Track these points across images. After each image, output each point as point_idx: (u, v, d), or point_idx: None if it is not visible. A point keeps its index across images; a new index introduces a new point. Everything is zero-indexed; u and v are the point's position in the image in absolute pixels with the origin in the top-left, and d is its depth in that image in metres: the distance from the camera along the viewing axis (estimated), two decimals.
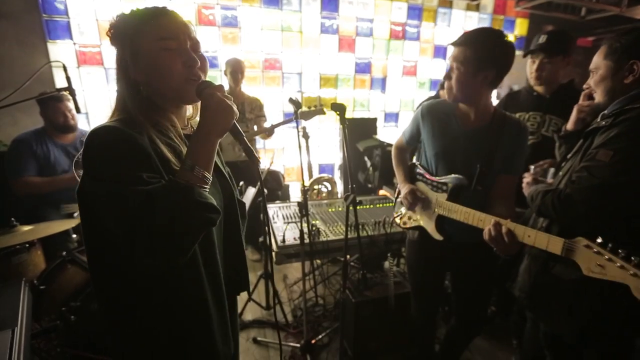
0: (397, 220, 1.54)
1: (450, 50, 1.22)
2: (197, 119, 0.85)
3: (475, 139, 1.27)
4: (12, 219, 1.70)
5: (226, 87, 2.81)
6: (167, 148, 0.72)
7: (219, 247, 0.85)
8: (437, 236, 1.33)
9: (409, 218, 1.47)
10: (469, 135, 1.28)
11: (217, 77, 3.46)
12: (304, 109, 1.83)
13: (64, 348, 1.45)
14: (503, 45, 1.16)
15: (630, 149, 0.98)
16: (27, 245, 1.72)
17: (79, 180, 0.71)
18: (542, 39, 1.66)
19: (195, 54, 0.75)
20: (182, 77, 0.74)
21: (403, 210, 1.51)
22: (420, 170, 1.44)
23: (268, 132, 2.55)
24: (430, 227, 1.36)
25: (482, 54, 1.15)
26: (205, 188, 0.69)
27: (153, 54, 0.72)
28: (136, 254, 0.63)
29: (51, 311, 1.56)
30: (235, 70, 2.70)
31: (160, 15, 0.74)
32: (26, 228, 1.70)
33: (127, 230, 0.62)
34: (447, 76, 1.25)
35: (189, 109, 0.88)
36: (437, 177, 1.34)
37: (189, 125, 0.87)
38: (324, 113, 1.87)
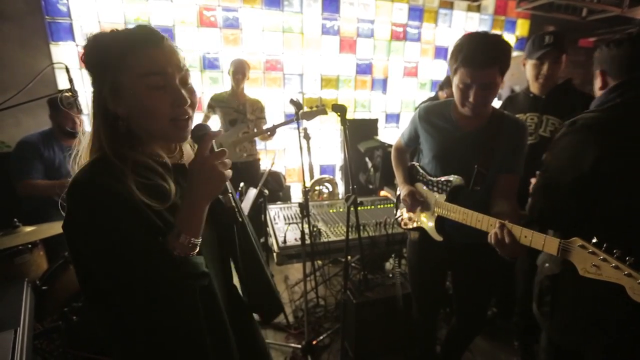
0: (400, 220, 1.54)
1: (469, 72, 1.13)
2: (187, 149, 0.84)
3: (473, 139, 1.27)
4: (15, 219, 1.71)
5: (229, 87, 2.77)
6: (148, 193, 0.66)
7: (217, 276, 0.80)
8: (437, 237, 1.33)
9: (410, 219, 1.48)
10: (466, 136, 1.28)
11: (219, 78, 3.48)
12: (306, 109, 1.84)
13: (66, 348, 1.46)
14: (510, 48, 1.16)
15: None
16: (30, 245, 1.73)
17: None
18: (549, 39, 1.64)
19: (185, 88, 0.69)
20: (168, 118, 0.68)
21: (404, 211, 1.51)
22: (419, 171, 1.44)
23: (270, 133, 2.56)
24: (430, 228, 1.36)
25: (506, 67, 1.15)
26: (193, 254, 0.68)
27: (137, 92, 0.65)
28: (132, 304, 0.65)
29: (53, 311, 1.57)
30: (237, 71, 2.71)
31: (146, 44, 0.65)
32: (29, 229, 1.71)
33: (119, 290, 0.64)
34: (465, 95, 1.19)
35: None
36: (436, 178, 1.34)
37: (177, 150, 0.81)
38: (326, 113, 1.87)
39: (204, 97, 3.36)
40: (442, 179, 1.31)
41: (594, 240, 0.81)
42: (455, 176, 1.26)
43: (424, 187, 1.39)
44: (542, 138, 1.67)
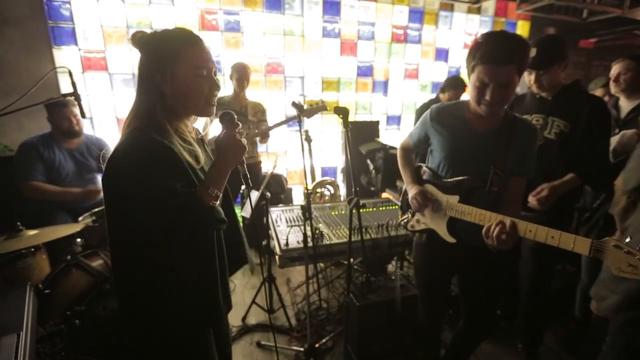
0: (404, 223, 1.53)
1: (487, 70, 1.11)
2: (209, 130, 1.11)
3: (487, 141, 1.26)
4: (18, 223, 1.71)
5: (231, 91, 2.80)
6: (189, 154, 0.90)
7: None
8: (450, 239, 1.32)
9: (417, 221, 1.46)
10: (481, 137, 1.27)
11: (220, 80, 3.47)
12: (306, 106, 1.83)
13: (69, 352, 1.46)
14: (528, 47, 1.16)
15: None
16: (33, 249, 1.73)
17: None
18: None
19: (217, 80, 0.94)
20: (205, 99, 0.92)
21: (410, 213, 1.50)
22: (428, 172, 1.43)
23: (264, 134, 2.58)
24: (442, 230, 1.34)
25: (524, 66, 1.15)
26: (216, 202, 0.90)
27: (189, 79, 0.88)
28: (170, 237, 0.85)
29: (56, 315, 1.56)
30: (241, 77, 2.73)
31: (195, 44, 0.89)
32: (32, 232, 1.71)
33: (161, 230, 0.83)
34: (481, 94, 1.17)
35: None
36: (449, 179, 1.33)
37: (195, 131, 1.04)
38: (326, 109, 1.86)
39: None
40: (455, 179, 1.30)
41: (628, 240, 0.82)
42: (470, 177, 1.26)
43: (434, 188, 1.38)
44: (547, 140, 1.66)
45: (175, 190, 0.83)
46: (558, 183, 1.58)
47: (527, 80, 1.71)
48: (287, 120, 1.74)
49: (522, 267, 1.89)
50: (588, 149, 1.60)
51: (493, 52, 1.10)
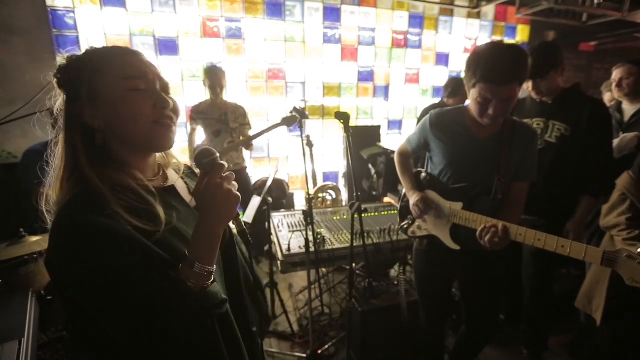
0: (405, 229, 1.52)
1: (489, 88, 1.12)
2: (174, 161, 0.80)
3: (488, 146, 1.26)
4: (21, 229, 1.71)
5: (207, 97, 2.68)
6: (141, 218, 0.61)
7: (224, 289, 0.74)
8: (454, 246, 1.31)
9: (419, 227, 1.45)
10: (481, 143, 1.27)
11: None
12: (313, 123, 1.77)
13: (70, 359, 1.45)
14: (527, 58, 1.15)
15: None
16: (35, 255, 1.73)
17: None
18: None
19: (166, 95, 0.67)
20: (151, 119, 0.65)
21: (411, 219, 1.49)
22: (428, 178, 1.42)
23: (249, 143, 2.54)
24: (445, 237, 1.34)
25: (525, 79, 1.16)
26: (208, 284, 0.63)
27: (117, 95, 0.62)
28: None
29: (58, 322, 1.56)
30: (213, 84, 2.62)
31: (124, 53, 0.65)
32: (34, 238, 1.71)
33: (129, 339, 0.57)
34: (484, 109, 1.18)
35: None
36: (451, 185, 1.32)
37: (161, 173, 0.76)
38: (307, 117, 1.79)
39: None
40: (459, 186, 1.29)
41: (639, 251, 0.82)
42: (476, 184, 1.26)
43: (436, 195, 1.37)
44: (547, 144, 1.66)
45: (137, 282, 0.57)
46: (579, 215, 1.64)
47: (526, 88, 1.71)
48: (272, 128, 1.63)
49: (524, 271, 1.88)
50: (591, 152, 1.60)
51: (495, 71, 1.10)
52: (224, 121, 2.68)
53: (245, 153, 3.00)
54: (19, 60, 2.85)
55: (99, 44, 0.70)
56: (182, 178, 0.81)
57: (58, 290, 0.65)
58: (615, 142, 1.81)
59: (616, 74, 2.02)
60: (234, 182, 0.66)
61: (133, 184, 0.65)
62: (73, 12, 2.99)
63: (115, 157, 0.66)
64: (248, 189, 2.83)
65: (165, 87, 0.69)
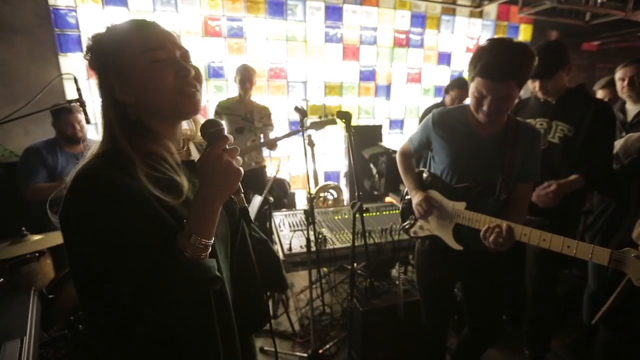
0: (406, 229, 1.51)
1: (485, 84, 1.11)
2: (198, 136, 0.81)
3: (491, 146, 1.25)
4: (23, 228, 1.72)
5: (236, 94, 2.74)
6: (162, 187, 0.63)
7: (227, 277, 0.76)
8: (457, 246, 1.30)
9: (421, 227, 1.44)
10: (485, 142, 1.26)
11: (223, 86, 3.51)
12: (315, 118, 1.84)
13: (72, 358, 1.45)
14: (532, 59, 1.13)
15: None
16: (37, 254, 1.74)
17: None
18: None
19: (187, 64, 0.69)
20: (176, 89, 0.67)
21: (413, 219, 1.49)
22: (430, 177, 1.41)
23: (273, 144, 2.57)
24: (448, 237, 1.33)
25: (525, 80, 1.14)
26: (204, 256, 0.63)
27: (141, 68, 0.65)
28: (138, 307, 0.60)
29: (60, 320, 1.57)
30: (243, 79, 2.69)
31: (142, 26, 0.67)
32: (36, 237, 1.72)
33: (129, 299, 0.59)
34: (479, 104, 1.17)
35: (184, 125, 0.79)
36: (454, 185, 1.31)
37: (185, 148, 0.78)
38: (335, 123, 1.86)
39: (209, 105, 3.40)
40: (463, 185, 1.29)
41: None
42: (479, 184, 1.25)
43: (439, 194, 1.36)
44: (550, 144, 1.65)
45: (142, 244, 0.60)
46: (564, 181, 1.56)
47: (532, 87, 1.70)
48: (296, 132, 1.71)
49: (527, 272, 1.87)
50: (590, 153, 1.59)
51: (492, 66, 1.09)
52: (249, 119, 2.73)
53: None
54: (21, 59, 2.86)
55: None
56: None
57: (67, 244, 0.65)
58: (620, 142, 1.80)
59: (624, 72, 1.98)
60: (239, 158, 0.66)
61: (165, 153, 0.68)
62: (75, 10, 2.99)
63: (148, 128, 0.69)
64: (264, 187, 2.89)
65: (185, 56, 0.70)
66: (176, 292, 0.61)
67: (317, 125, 1.82)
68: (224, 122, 2.81)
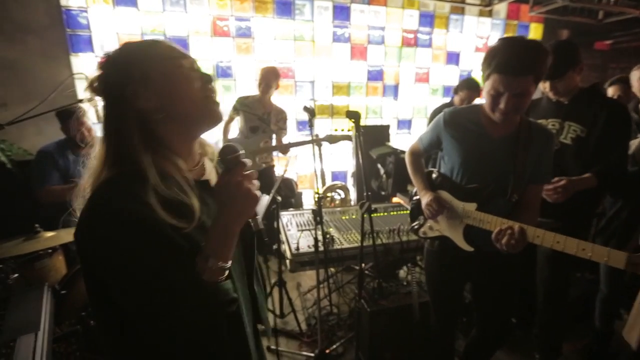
0: (415, 229, 1.50)
1: (502, 79, 1.09)
2: (211, 150, 0.81)
3: (504, 146, 1.24)
4: (36, 225, 1.75)
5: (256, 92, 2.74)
6: (174, 212, 0.62)
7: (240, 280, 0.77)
8: (467, 247, 1.29)
9: (430, 228, 1.43)
10: (497, 143, 1.25)
11: (231, 86, 3.53)
12: (332, 132, 1.85)
13: (83, 352, 1.48)
14: (547, 55, 1.13)
15: None
16: (50, 250, 1.77)
17: None
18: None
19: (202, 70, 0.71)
20: (201, 95, 0.68)
21: (422, 219, 1.47)
22: (440, 178, 1.40)
23: (286, 149, 2.59)
24: (458, 238, 1.31)
25: (542, 76, 1.13)
26: (221, 279, 0.64)
27: (169, 74, 0.66)
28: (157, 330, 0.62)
29: (71, 316, 1.59)
30: (261, 80, 2.71)
31: (160, 40, 0.70)
32: (49, 234, 1.75)
33: (145, 321, 0.61)
34: (495, 102, 1.15)
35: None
36: (464, 186, 1.30)
37: (200, 164, 0.77)
38: (350, 139, 1.88)
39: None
40: (474, 186, 1.27)
41: None
42: (490, 184, 1.24)
43: (448, 195, 1.35)
44: (563, 145, 1.62)
45: (157, 272, 0.59)
46: (575, 178, 1.53)
47: (542, 88, 1.67)
48: (310, 142, 1.74)
49: (538, 274, 1.84)
50: (604, 154, 1.56)
51: (509, 61, 1.07)
52: (266, 120, 2.73)
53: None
54: (34, 59, 2.91)
55: (112, 43, 0.72)
56: (215, 167, 0.82)
57: (83, 264, 0.67)
58: (635, 142, 1.76)
59: (638, 73, 1.95)
60: (256, 181, 0.66)
61: (176, 174, 0.66)
62: (86, 11, 3.03)
63: (163, 143, 0.67)
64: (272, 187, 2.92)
65: (198, 67, 0.72)
66: (193, 315, 0.61)
67: (331, 139, 1.82)
68: (239, 119, 2.81)
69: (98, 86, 0.66)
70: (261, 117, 2.71)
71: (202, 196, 0.69)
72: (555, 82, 1.59)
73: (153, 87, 0.65)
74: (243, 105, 2.77)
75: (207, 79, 0.70)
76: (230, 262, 0.64)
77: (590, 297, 2.08)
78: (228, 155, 0.64)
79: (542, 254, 1.79)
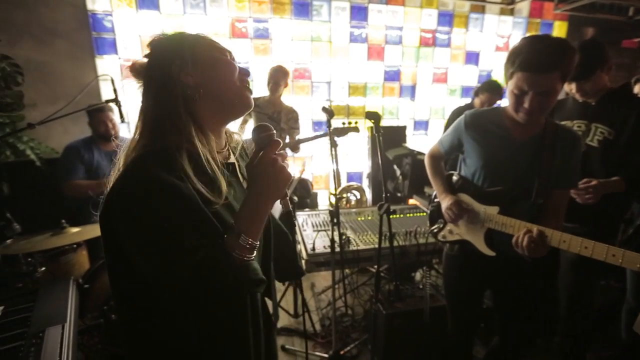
0: (435, 233, 1.48)
1: (526, 77, 1.06)
2: (236, 138, 0.85)
3: (528, 149, 1.20)
4: (63, 220, 1.82)
5: (266, 92, 2.78)
6: (206, 186, 0.64)
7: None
8: (489, 252, 1.25)
9: (450, 232, 1.40)
10: (521, 145, 1.21)
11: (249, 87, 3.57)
12: (339, 125, 1.86)
13: (105, 345, 1.52)
14: (574, 52, 1.08)
15: None
16: (75, 245, 1.83)
17: None
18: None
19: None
20: (238, 83, 0.74)
21: (442, 222, 1.45)
22: (460, 181, 1.37)
23: (296, 146, 2.59)
24: (479, 243, 1.28)
25: (568, 73, 1.09)
26: (250, 257, 0.64)
27: (214, 58, 0.71)
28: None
29: (94, 309, 1.64)
30: (269, 80, 2.72)
31: (204, 36, 0.75)
32: (75, 230, 1.81)
33: (173, 297, 0.63)
34: (519, 101, 1.12)
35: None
36: (486, 189, 1.27)
37: (227, 148, 0.79)
38: (357, 130, 1.87)
39: None
40: (496, 189, 1.24)
41: None
42: (513, 187, 1.20)
43: (469, 198, 1.32)
44: (589, 147, 1.56)
45: (191, 244, 0.60)
46: (604, 180, 1.46)
47: (568, 89, 1.61)
48: (319, 136, 1.75)
49: (561, 281, 1.77)
50: (633, 157, 1.49)
51: (534, 58, 1.04)
52: (276, 119, 2.74)
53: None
54: (61, 61, 3.03)
55: (135, 45, 0.76)
56: (237, 159, 0.84)
57: (107, 243, 0.67)
58: None
59: None
60: (288, 164, 0.68)
61: (207, 153, 0.67)
62: (111, 15, 3.14)
63: (198, 121, 0.69)
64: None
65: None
66: (222, 292, 0.62)
67: (339, 132, 1.82)
68: (251, 121, 2.85)
69: (144, 65, 0.71)
70: (271, 115, 2.73)
71: (228, 178, 0.71)
72: (582, 84, 1.53)
73: (199, 66, 0.69)
74: (254, 106, 2.79)
75: (245, 72, 0.75)
76: (259, 241, 0.65)
77: (616, 306, 2.00)
78: (262, 133, 0.66)
79: (565, 259, 1.72)
